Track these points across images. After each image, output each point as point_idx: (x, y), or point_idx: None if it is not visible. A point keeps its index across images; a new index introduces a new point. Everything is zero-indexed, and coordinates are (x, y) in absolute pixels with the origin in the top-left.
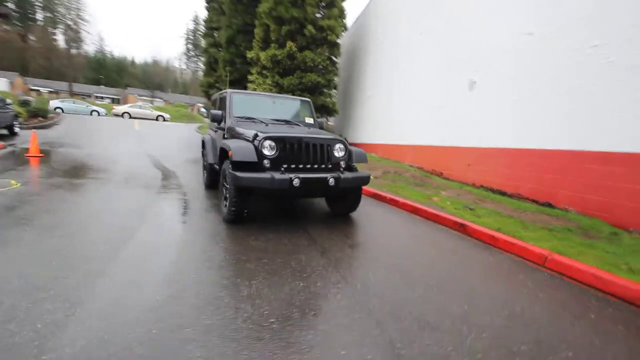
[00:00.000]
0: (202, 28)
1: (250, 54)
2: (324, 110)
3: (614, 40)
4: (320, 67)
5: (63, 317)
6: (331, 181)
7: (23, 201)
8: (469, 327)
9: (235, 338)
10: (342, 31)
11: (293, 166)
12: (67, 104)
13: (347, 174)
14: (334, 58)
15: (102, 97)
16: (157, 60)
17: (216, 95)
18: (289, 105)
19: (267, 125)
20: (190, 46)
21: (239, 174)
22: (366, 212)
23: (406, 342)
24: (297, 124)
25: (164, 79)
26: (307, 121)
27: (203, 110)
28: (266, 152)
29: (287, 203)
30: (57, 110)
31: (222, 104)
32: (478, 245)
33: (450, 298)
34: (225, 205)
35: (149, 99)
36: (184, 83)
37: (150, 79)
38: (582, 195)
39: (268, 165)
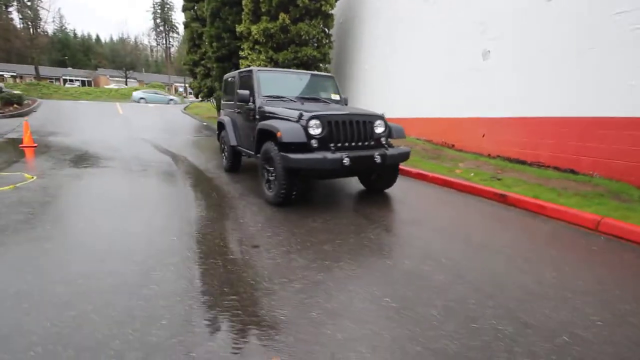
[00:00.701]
0: (170, 1)
1: (239, 28)
2: None
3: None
4: (315, 40)
5: None
6: (378, 158)
7: (54, 195)
8: (571, 292)
9: (368, 320)
10: (336, 0)
11: (339, 145)
12: (149, 94)
13: (392, 150)
14: (327, 30)
15: (71, 80)
16: (124, 37)
17: (233, 74)
18: (314, 82)
19: (302, 103)
20: (159, 21)
21: (291, 155)
22: (397, 187)
23: (525, 309)
24: (326, 101)
25: (136, 58)
26: (333, 97)
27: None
28: (313, 131)
29: (313, 183)
30: (141, 100)
31: (243, 83)
32: (526, 214)
33: (536, 268)
34: (270, 188)
35: (122, 79)
36: (156, 61)
37: (120, 59)
38: (606, 160)
39: (316, 145)
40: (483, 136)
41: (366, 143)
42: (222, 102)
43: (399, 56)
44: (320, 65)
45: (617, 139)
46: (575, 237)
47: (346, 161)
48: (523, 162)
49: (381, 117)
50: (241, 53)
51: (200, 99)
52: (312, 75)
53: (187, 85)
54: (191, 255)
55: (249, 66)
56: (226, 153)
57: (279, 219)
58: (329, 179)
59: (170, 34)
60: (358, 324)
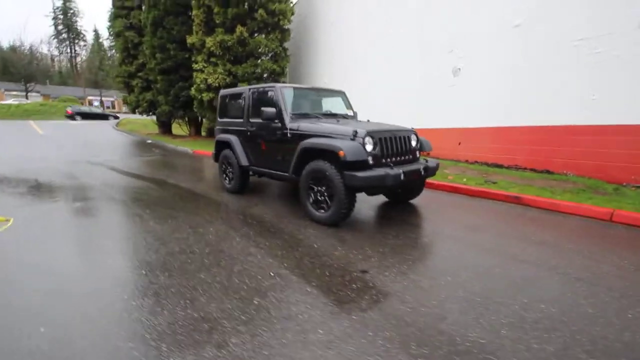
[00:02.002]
0: (74, 6)
1: (191, 40)
2: None
3: (599, 36)
4: (273, 53)
5: None
6: (422, 171)
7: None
8: (622, 280)
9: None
10: (291, 15)
11: (387, 160)
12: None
13: (431, 163)
14: (284, 44)
15: None
16: (16, 45)
17: (238, 91)
18: (330, 98)
19: (323, 120)
20: (61, 27)
21: (358, 174)
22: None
23: (587, 295)
24: (345, 117)
25: (35, 69)
26: (349, 113)
27: (97, 104)
28: (368, 148)
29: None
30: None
31: (260, 100)
32: (542, 212)
33: (576, 259)
34: (321, 208)
35: (21, 93)
36: (60, 72)
37: (16, 70)
38: (576, 161)
39: (372, 162)
40: (459, 144)
41: (406, 157)
42: (220, 120)
43: (363, 70)
44: (279, 78)
45: (584, 143)
46: (598, 228)
47: (402, 176)
48: (500, 166)
49: (414, 132)
50: (195, 65)
51: (139, 114)
52: (328, 91)
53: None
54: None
55: (206, 79)
56: (230, 174)
57: (359, 239)
58: (378, 194)
59: (76, 41)
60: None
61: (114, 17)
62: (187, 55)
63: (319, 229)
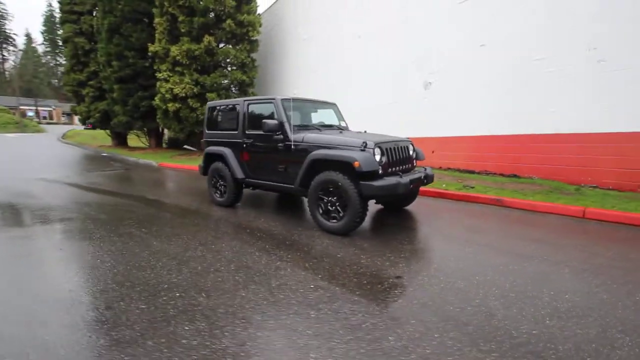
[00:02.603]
0: (3, 7)
1: (153, 48)
2: None
3: (552, 57)
4: (241, 64)
5: None
6: (424, 179)
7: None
8: (617, 270)
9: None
10: (260, 27)
11: (393, 170)
12: None
13: (428, 171)
14: (252, 56)
15: None
16: None
17: (229, 103)
18: (324, 110)
19: (321, 131)
20: None
21: (374, 183)
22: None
23: (597, 284)
24: (340, 128)
25: None
26: (342, 124)
27: (31, 114)
28: (377, 158)
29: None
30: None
31: (257, 113)
32: (524, 212)
33: (573, 253)
34: (333, 218)
35: None
36: None
37: None
38: (539, 165)
39: (381, 171)
40: (432, 152)
41: (407, 166)
42: (208, 132)
43: (334, 83)
44: (248, 89)
45: (545, 150)
46: (576, 224)
47: (410, 184)
48: (472, 172)
49: (411, 142)
50: (159, 75)
51: (88, 125)
52: (322, 103)
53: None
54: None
55: (172, 89)
56: (222, 187)
57: (377, 247)
58: (387, 202)
59: (4, 46)
60: None
61: (62, 22)
62: (147, 64)
63: (333, 239)
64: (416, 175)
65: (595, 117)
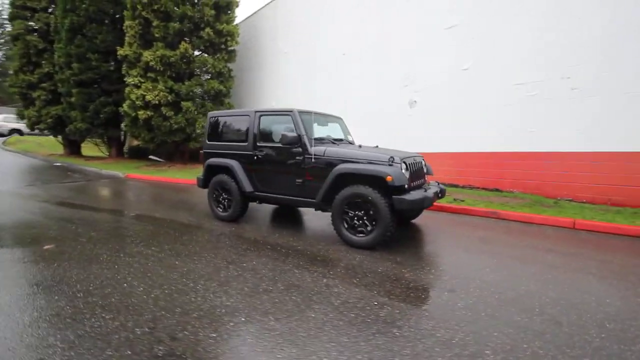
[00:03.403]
0: None
1: (123, 51)
2: None
3: (533, 82)
4: (217, 73)
5: None
6: (439, 193)
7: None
8: (632, 275)
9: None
10: (238, 37)
11: (413, 184)
12: None
13: (441, 186)
14: (229, 66)
15: None
16: None
17: (245, 113)
18: (334, 123)
19: (337, 145)
20: None
21: (407, 197)
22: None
23: (624, 288)
24: (351, 142)
25: None
26: (349, 138)
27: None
28: (405, 173)
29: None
30: None
31: (269, 124)
32: (519, 224)
33: (585, 261)
34: (361, 232)
35: None
36: None
37: None
38: (520, 180)
39: (406, 186)
40: None
41: (421, 181)
42: (210, 143)
43: (316, 99)
44: (224, 99)
45: (525, 166)
46: (567, 234)
47: (434, 198)
48: (456, 186)
49: (423, 157)
50: (129, 80)
51: (39, 131)
52: (332, 117)
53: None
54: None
55: (144, 96)
56: (225, 201)
57: (410, 260)
58: (415, 216)
59: None
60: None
61: (11, 18)
62: (112, 68)
63: (362, 253)
64: (435, 190)
65: (570, 137)
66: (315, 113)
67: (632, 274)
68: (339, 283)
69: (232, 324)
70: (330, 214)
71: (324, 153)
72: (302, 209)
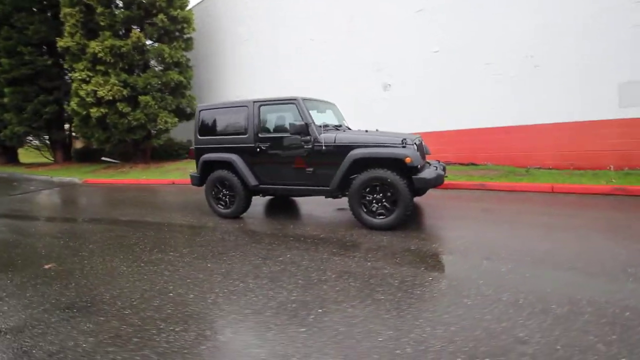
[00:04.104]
0: None
1: (64, 42)
2: (182, 114)
3: (500, 61)
4: (175, 64)
5: None
6: (444, 171)
7: None
8: (605, 227)
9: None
10: (193, 22)
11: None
12: None
13: (443, 164)
14: (187, 55)
15: None
16: None
17: (242, 103)
18: (331, 109)
19: (337, 129)
20: None
21: (427, 176)
22: None
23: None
24: (348, 127)
25: None
26: (344, 124)
27: None
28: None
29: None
30: None
31: (273, 114)
32: (506, 193)
33: (587, 222)
34: (381, 214)
35: None
36: None
37: None
38: (492, 153)
39: (419, 166)
40: None
41: (424, 160)
42: (202, 138)
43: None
44: (184, 92)
45: (497, 140)
46: (549, 197)
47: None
48: None
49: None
50: (74, 74)
51: None
52: (327, 103)
53: None
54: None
55: (95, 91)
56: (227, 197)
57: (433, 238)
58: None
59: None
60: None
61: None
62: (49, 61)
63: (386, 234)
64: (441, 167)
65: (534, 111)
66: (314, 100)
67: (620, 227)
68: (384, 265)
69: (312, 317)
70: (332, 200)
71: (335, 139)
72: (295, 198)
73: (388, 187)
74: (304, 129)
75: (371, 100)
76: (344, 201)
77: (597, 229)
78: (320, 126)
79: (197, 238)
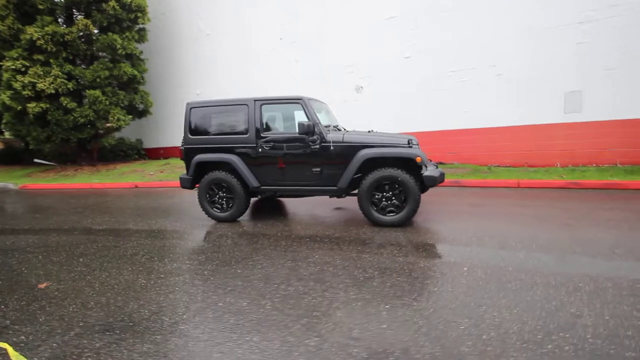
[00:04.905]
0: None
1: None
2: (134, 111)
3: (466, 69)
4: (128, 56)
5: None
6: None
7: None
8: (580, 216)
9: None
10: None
11: None
12: None
13: (435, 163)
14: (140, 47)
15: None
16: None
17: (241, 102)
18: (324, 109)
19: (347, 131)
20: None
21: (436, 174)
22: None
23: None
24: (343, 128)
25: None
26: (339, 124)
27: None
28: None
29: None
30: None
31: (277, 112)
32: (480, 189)
33: (572, 213)
34: (391, 212)
35: None
36: None
37: None
38: (460, 153)
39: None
40: None
41: None
42: (193, 137)
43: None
44: (137, 86)
45: (462, 141)
46: (517, 192)
47: None
48: None
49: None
50: (7, 63)
51: None
52: (319, 102)
53: None
54: None
55: (34, 83)
56: (224, 200)
57: (449, 230)
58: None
59: None
60: None
61: None
62: None
63: (397, 231)
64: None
65: (496, 115)
66: (313, 99)
67: (591, 216)
68: (416, 259)
69: (384, 312)
70: (327, 200)
71: (343, 139)
72: (283, 199)
73: (397, 186)
74: (312, 129)
75: (342, 102)
76: (340, 201)
77: (573, 218)
78: (327, 126)
79: (204, 244)
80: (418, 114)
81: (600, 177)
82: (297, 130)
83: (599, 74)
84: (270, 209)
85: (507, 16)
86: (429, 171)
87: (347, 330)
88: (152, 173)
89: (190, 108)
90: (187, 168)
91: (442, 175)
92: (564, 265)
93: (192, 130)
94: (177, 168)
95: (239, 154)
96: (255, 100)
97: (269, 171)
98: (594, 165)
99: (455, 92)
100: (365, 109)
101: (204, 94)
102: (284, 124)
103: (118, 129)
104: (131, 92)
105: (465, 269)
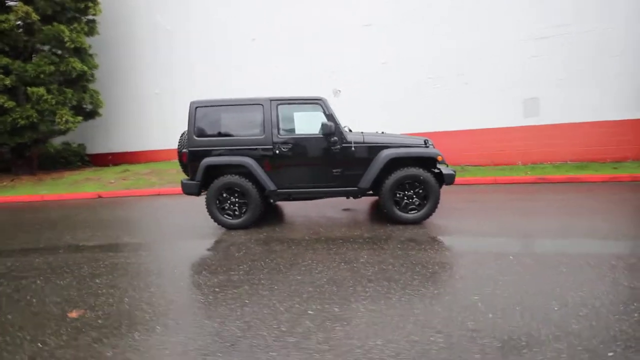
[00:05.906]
0: None
1: None
2: (81, 112)
3: (438, 77)
4: (75, 49)
5: None
6: None
7: None
8: (569, 208)
9: None
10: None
11: None
12: None
13: None
14: (88, 40)
15: None
16: None
17: (256, 101)
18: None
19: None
20: None
21: (453, 172)
22: None
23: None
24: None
25: None
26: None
27: None
28: None
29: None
30: None
31: (295, 113)
32: (466, 186)
33: (567, 206)
34: (413, 209)
35: None
36: None
37: None
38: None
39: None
40: None
41: None
42: (199, 139)
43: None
44: (87, 84)
45: (441, 142)
46: (501, 187)
47: None
48: None
49: None
50: None
51: None
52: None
53: None
54: None
55: None
56: (237, 206)
57: (467, 224)
58: None
59: None
60: None
61: None
62: None
63: (419, 227)
64: None
65: (464, 119)
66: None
67: (575, 208)
68: (452, 254)
69: (479, 303)
70: (329, 201)
71: (364, 140)
72: (280, 203)
73: (418, 184)
74: (333, 130)
75: None
76: (347, 202)
77: (567, 208)
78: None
79: (236, 253)
80: (396, 117)
81: (558, 173)
82: (318, 131)
83: (553, 83)
84: (270, 213)
85: (471, 31)
86: (446, 169)
87: (462, 322)
88: (112, 181)
89: (196, 107)
90: (192, 172)
91: (455, 173)
92: (571, 249)
93: (198, 132)
94: (142, 175)
95: (254, 156)
96: (271, 100)
97: (287, 173)
98: (549, 162)
99: (428, 98)
100: (343, 111)
101: (162, 93)
102: (304, 124)
103: (65, 132)
104: (80, 90)
105: (511, 257)
